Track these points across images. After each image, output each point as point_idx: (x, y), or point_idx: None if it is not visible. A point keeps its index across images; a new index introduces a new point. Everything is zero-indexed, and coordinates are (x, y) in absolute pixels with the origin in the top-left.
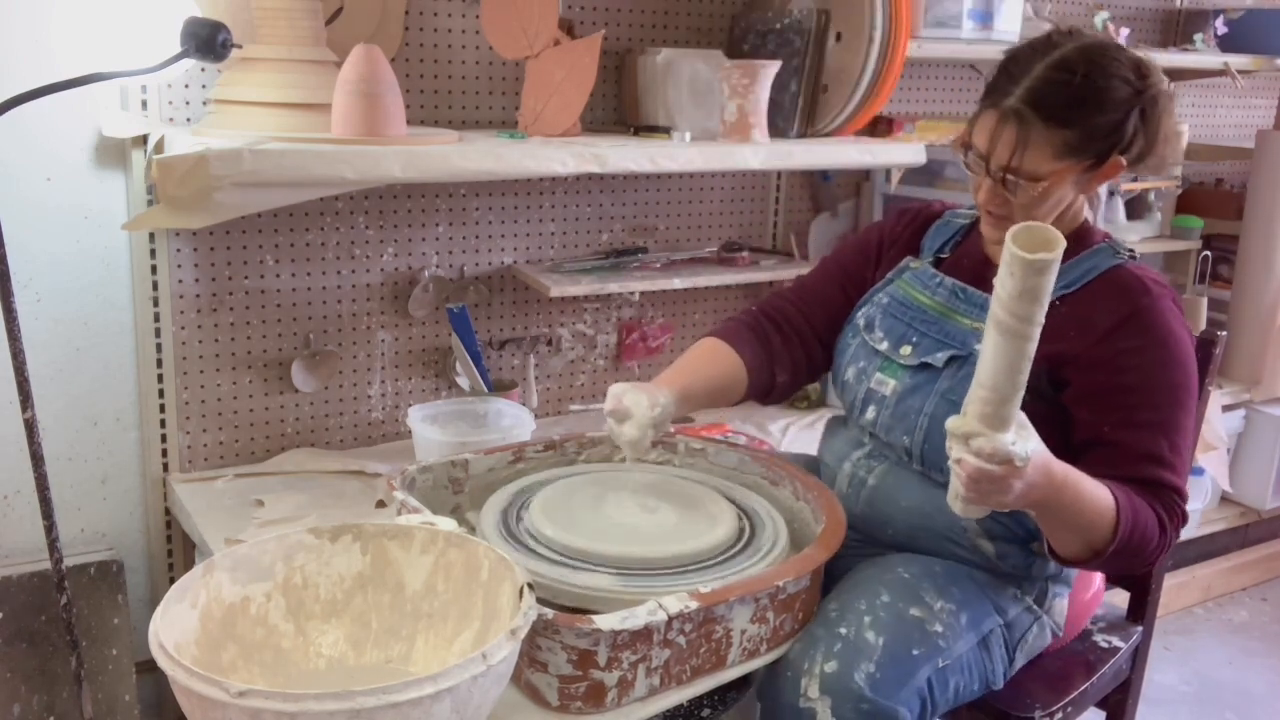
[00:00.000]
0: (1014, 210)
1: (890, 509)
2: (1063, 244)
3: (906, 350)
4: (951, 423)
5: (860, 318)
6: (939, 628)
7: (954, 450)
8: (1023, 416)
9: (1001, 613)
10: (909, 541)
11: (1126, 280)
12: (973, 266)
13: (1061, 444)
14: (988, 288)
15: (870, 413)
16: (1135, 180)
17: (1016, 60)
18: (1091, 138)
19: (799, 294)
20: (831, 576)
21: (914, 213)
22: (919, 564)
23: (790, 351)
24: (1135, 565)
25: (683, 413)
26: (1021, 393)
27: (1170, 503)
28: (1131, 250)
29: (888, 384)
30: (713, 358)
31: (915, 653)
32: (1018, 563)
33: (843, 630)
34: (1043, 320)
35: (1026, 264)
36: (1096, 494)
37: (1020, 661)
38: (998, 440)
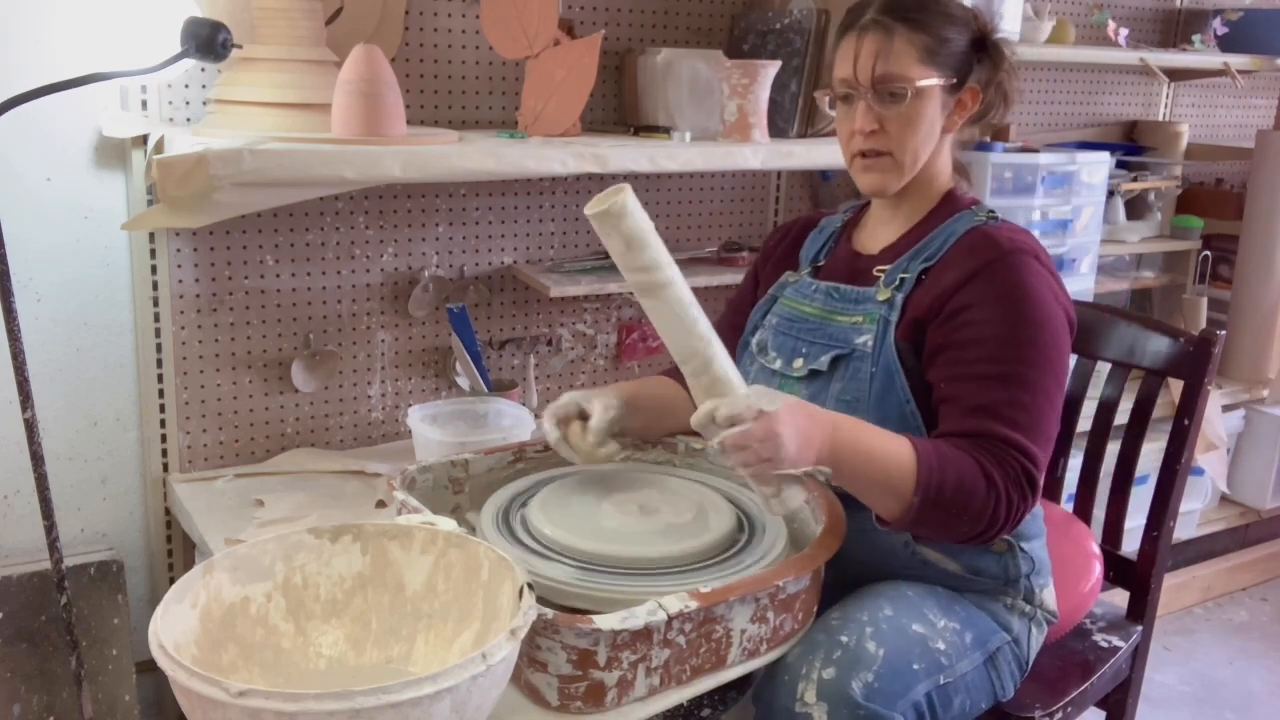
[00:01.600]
0: (891, 141)
1: (849, 571)
2: (624, 188)
3: (799, 363)
4: (692, 419)
5: (754, 343)
6: (941, 645)
7: (711, 438)
8: (759, 386)
9: (1007, 629)
10: (882, 577)
11: (977, 240)
12: (845, 265)
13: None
14: (863, 280)
15: None
16: (1135, 180)
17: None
18: (946, 48)
19: (721, 328)
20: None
21: (789, 226)
22: (923, 584)
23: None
24: (966, 523)
25: (632, 423)
26: (717, 346)
27: (1003, 456)
28: (993, 211)
29: None
30: (657, 381)
31: (915, 667)
32: (994, 570)
33: (844, 638)
34: (664, 261)
35: (599, 217)
36: (888, 441)
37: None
38: (734, 399)
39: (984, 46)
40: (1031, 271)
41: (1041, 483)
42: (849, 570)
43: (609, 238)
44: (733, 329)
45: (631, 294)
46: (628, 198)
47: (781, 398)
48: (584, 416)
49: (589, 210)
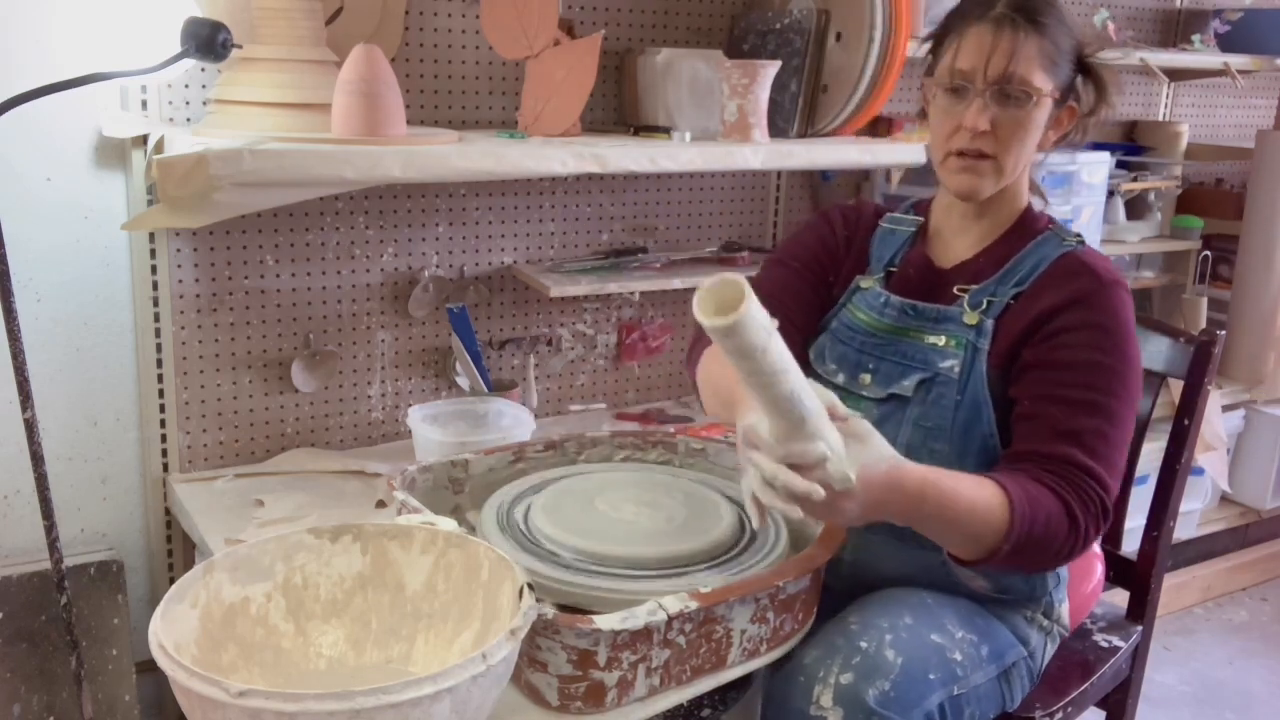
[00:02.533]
0: (1000, 145)
1: (874, 579)
2: (748, 297)
3: (866, 379)
4: (764, 445)
5: (812, 349)
6: (958, 656)
7: (762, 464)
8: (861, 426)
9: (1024, 642)
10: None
11: (1075, 266)
12: (920, 276)
13: None
14: (942, 297)
15: None
16: (1135, 180)
17: None
18: (1063, 58)
19: (773, 297)
20: (823, 615)
21: (856, 214)
22: (945, 593)
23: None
24: (1044, 562)
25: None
26: (817, 410)
27: (1085, 490)
28: (1079, 235)
29: None
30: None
31: (931, 677)
32: (1020, 588)
33: (863, 644)
34: (776, 361)
35: (715, 330)
36: (978, 495)
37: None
38: (828, 463)
39: (1084, 66)
40: (1126, 305)
41: (1112, 507)
42: (869, 580)
43: (721, 345)
44: (814, 291)
45: (633, 295)
46: (748, 310)
47: (867, 459)
48: None
49: (702, 308)
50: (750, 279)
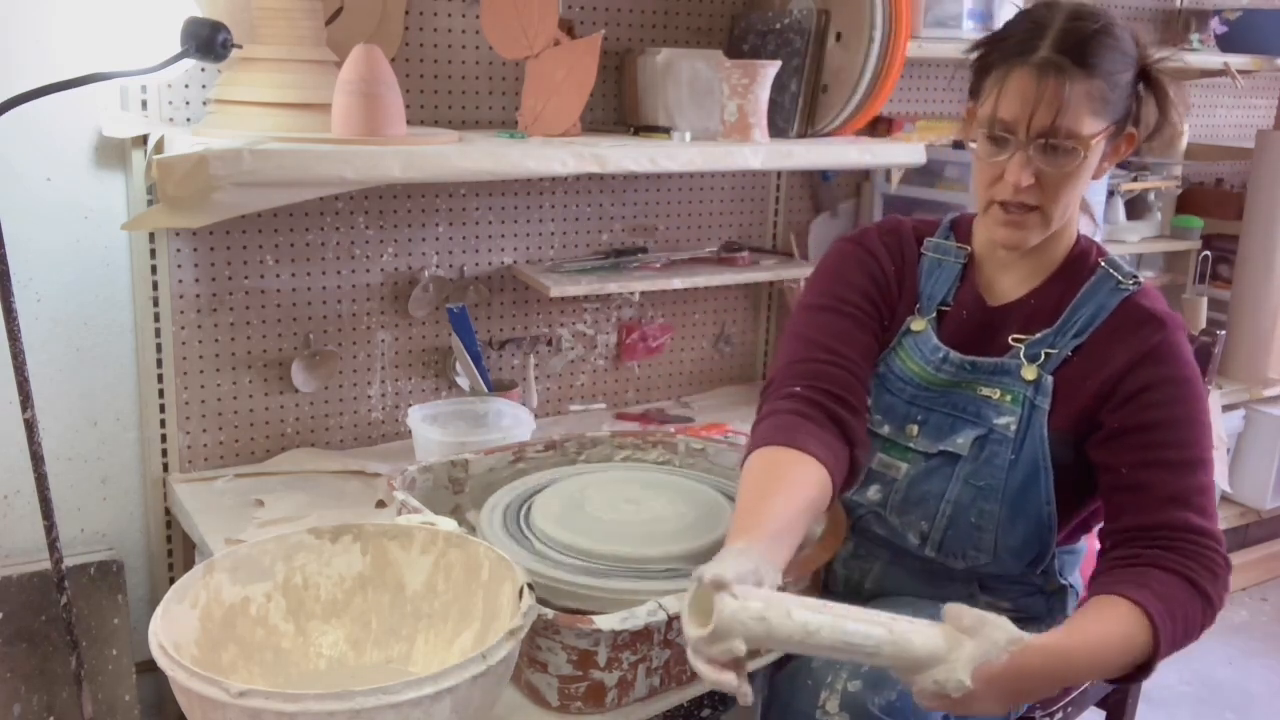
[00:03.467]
0: (1047, 196)
1: (893, 608)
2: (717, 611)
3: (913, 430)
4: (915, 690)
5: None
6: None
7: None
8: (970, 617)
9: None
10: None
11: (1139, 315)
12: (974, 319)
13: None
14: (995, 343)
15: (874, 492)
16: (1135, 180)
17: (1030, 18)
18: (1115, 93)
19: (840, 355)
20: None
21: (895, 247)
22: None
23: (862, 426)
24: (1184, 645)
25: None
26: (893, 628)
27: (1209, 558)
28: (1135, 275)
29: (897, 467)
30: (791, 485)
31: None
32: (1040, 610)
33: None
34: (791, 633)
35: (698, 642)
36: (1114, 631)
37: None
38: (920, 685)
39: (1147, 80)
40: (1189, 349)
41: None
42: (900, 598)
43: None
44: (873, 335)
45: (633, 295)
46: (721, 619)
47: (987, 649)
48: None
49: (689, 629)
50: (801, 333)
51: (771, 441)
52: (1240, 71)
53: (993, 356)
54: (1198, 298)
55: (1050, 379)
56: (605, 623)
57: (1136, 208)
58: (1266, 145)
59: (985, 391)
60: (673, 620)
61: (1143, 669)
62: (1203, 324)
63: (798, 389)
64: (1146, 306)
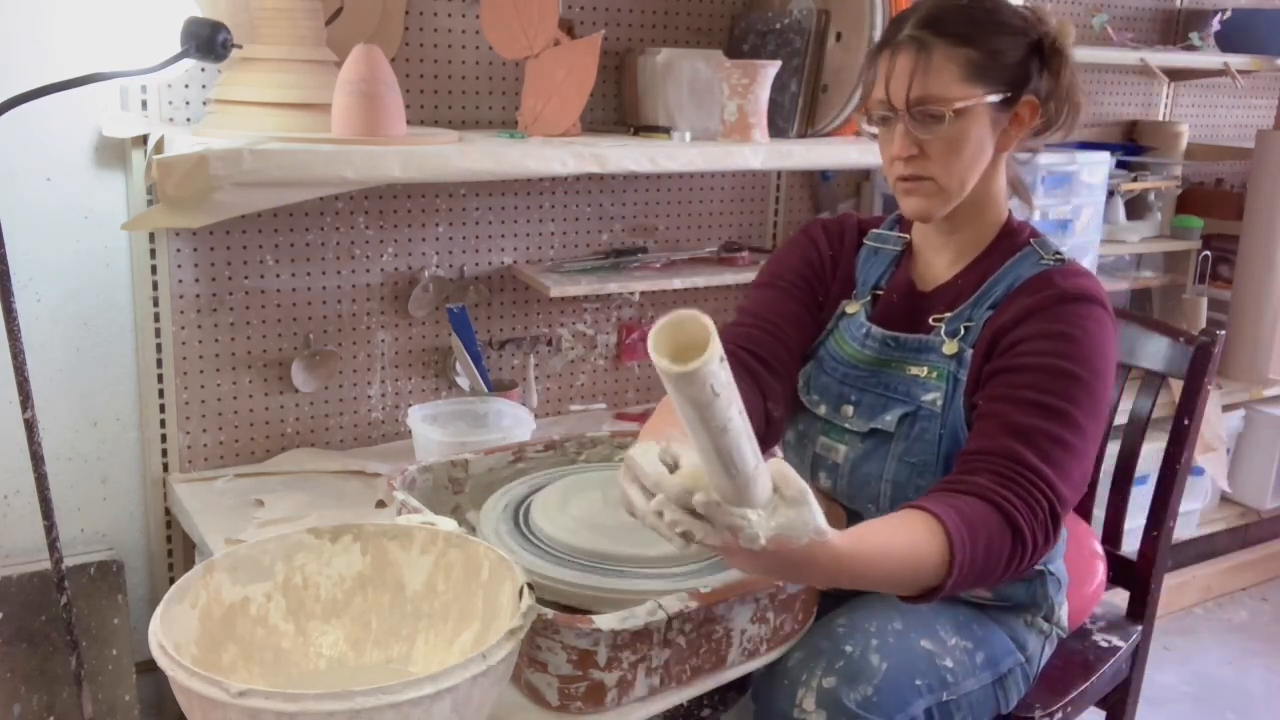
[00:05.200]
0: (933, 165)
1: (881, 610)
2: (712, 342)
3: (848, 411)
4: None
5: (799, 375)
6: (949, 663)
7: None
8: (797, 490)
9: (1022, 648)
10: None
11: (1041, 284)
12: (904, 301)
13: None
14: (922, 325)
15: (824, 480)
16: (1135, 180)
17: (904, 10)
18: (996, 61)
19: (765, 319)
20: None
21: (836, 234)
22: (942, 601)
23: (780, 384)
24: (988, 582)
25: None
26: (751, 473)
27: (1033, 496)
28: (1059, 252)
29: (836, 449)
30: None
31: (917, 683)
32: (1021, 596)
33: (848, 649)
34: (721, 418)
35: (669, 376)
36: (910, 543)
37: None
38: (723, 509)
39: (1044, 52)
40: (1094, 317)
41: (1064, 518)
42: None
43: (669, 387)
44: (806, 309)
45: (633, 295)
46: (710, 361)
47: (795, 530)
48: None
49: (658, 345)
50: (746, 306)
51: None
52: (1240, 71)
53: (918, 335)
54: (1198, 298)
55: (970, 351)
56: (605, 623)
57: (1136, 208)
58: (1266, 145)
59: (914, 370)
60: (672, 620)
61: (936, 590)
62: (1203, 324)
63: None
64: (1056, 280)
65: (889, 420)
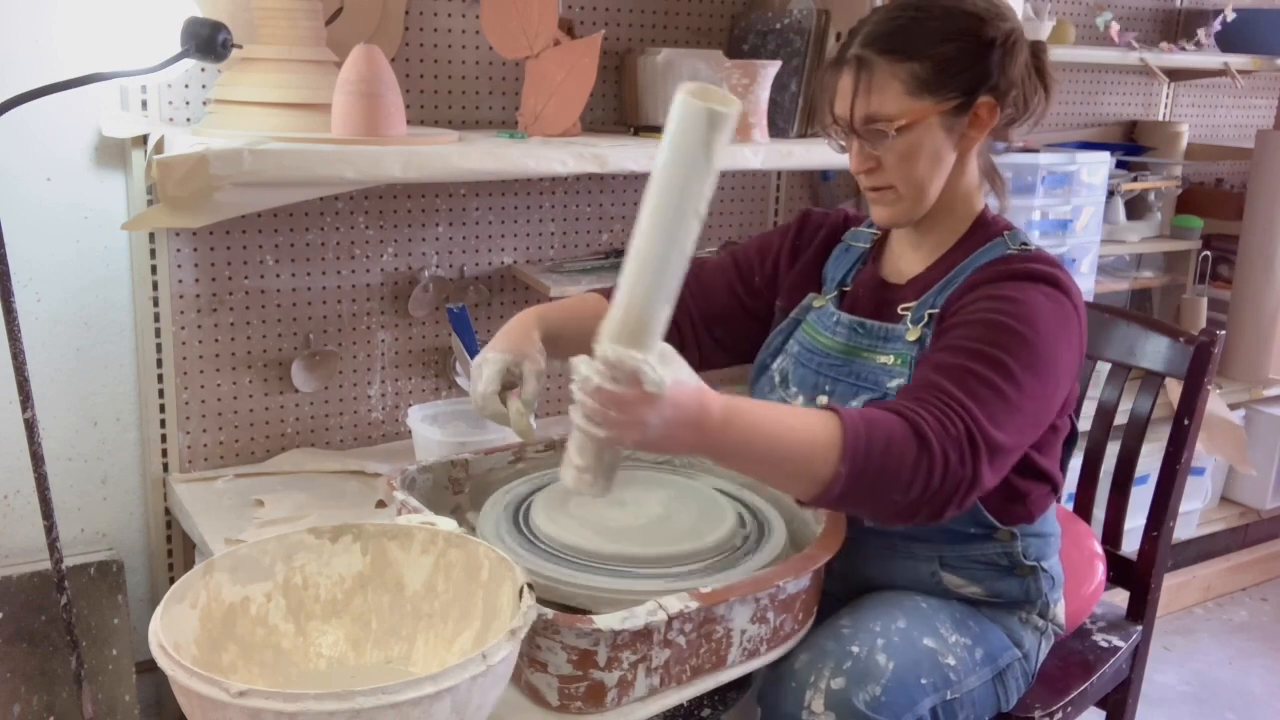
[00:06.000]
0: (891, 175)
1: (864, 586)
2: (736, 105)
3: (823, 400)
4: (596, 346)
5: (775, 372)
6: (951, 661)
7: (580, 376)
8: (669, 350)
9: (1019, 644)
10: (899, 588)
11: (1000, 263)
12: (871, 294)
13: None
14: (890, 315)
15: None
16: (1135, 180)
17: (854, 26)
18: (945, 70)
19: (694, 280)
20: (818, 618)
21: (815, 228)
22: (939, 598)
23: (678, 327)
24: (893, 494)
25: (557, 354)
26: (665, 307)
27: (946, 414)
28: (1026, 243)
29: None
30: (585, 303)
31: (923, 681)
32: (1015, 592)
33: (855, 649)
34: (699, 209)
35: (692, 111)
36: (801, 420)
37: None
38: (623, 351)
39: (1001, 51)
40: (1044, 292)
41: (991, 459)
42: (860, 584)
43: (676, 130)
44: (728, 285)
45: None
46: (731, 122)
47: (673, 376)
48: (511, 384)
49: (688, 93)
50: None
51: (601, 290)
52: (1240, 71)
53: (886, 323)
54: (1198, 298)
55: (930, 335)
56: (605, 623)
57: (1136, 208)
58: (1266, 145)
59: (882, 359)
60: (673, 620)
61: (829, 486)
62: (1203, 324)
63: None
64: (1014, 261)
65: (855, 405)
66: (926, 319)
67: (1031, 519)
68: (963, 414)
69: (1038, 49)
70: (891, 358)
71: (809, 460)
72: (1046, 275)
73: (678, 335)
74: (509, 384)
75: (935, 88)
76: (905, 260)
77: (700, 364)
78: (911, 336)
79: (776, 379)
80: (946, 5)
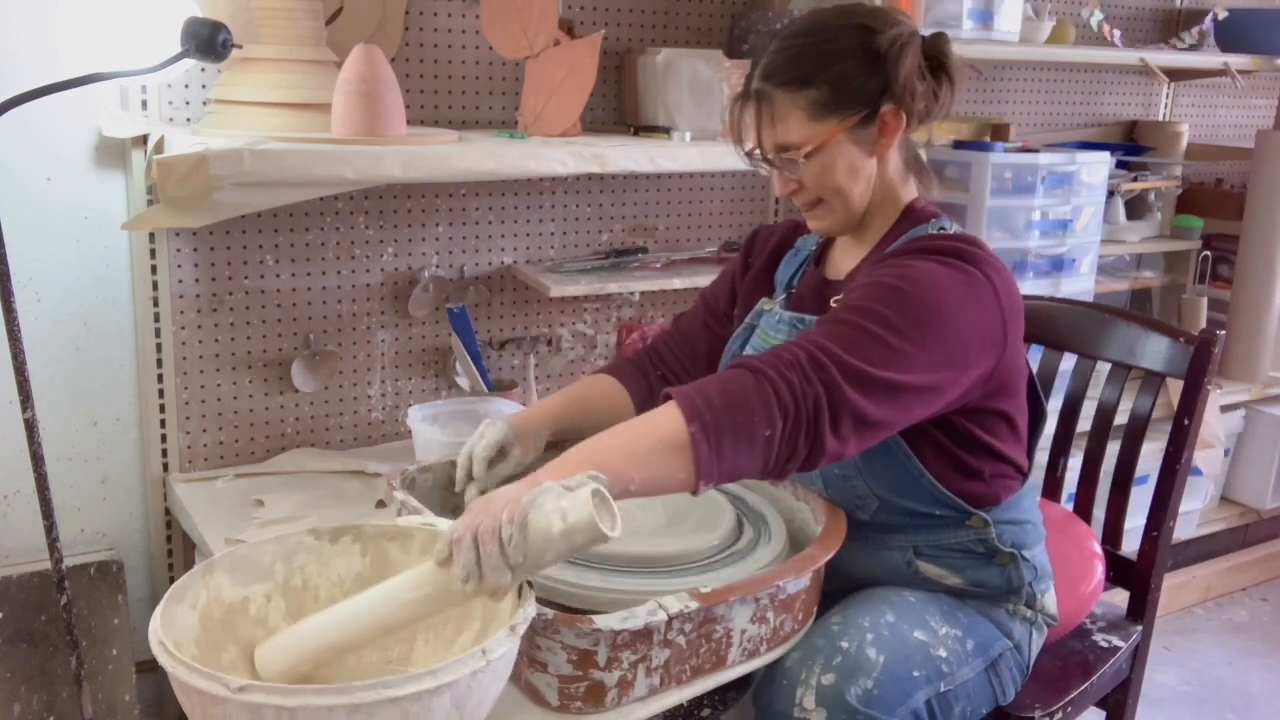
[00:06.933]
0: (814, 192)
1: (846, 581)
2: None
3: None
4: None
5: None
6: (943, 652)
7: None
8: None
9: (1009, 635)
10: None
11: (910, 243)
12: (813, 293)
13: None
14: (827, 309)
15: None
16: (1135, 180)
17: (765, 47)
18: (842, 90)
19: (674, 333)
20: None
21: (765, 240)
22: (925, 591)
23: (669, 383)
24: (759, 425)
25: (558, 436)
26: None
27: (781, 352)
28: (946, 227)
29: None
30: (589, 388)
31: (916, 674)
32: (997, 582)
33: (844, 644)
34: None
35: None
36: (643, 415)
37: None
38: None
39: (893, 57)
40: (941, 261)
41: (851, 381)
42: (847, 585)
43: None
44: (705, 328)
45: (633, 295)
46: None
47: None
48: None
49: (606, 530)
50: (678, 315)
51: (605, 370)
52: (1240, 71)
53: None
54: (1198, 298)
55: None
56: (605, 623)
57: (1136, 208)
58: (1266, 145)
59: None
60: (673, 620)
61: (696, 446)
62: (1203, 324)
63: (641, 348)
64: (926, 239)
65: None
66: None
67: (997, 500)
68: (807, 345)
69: (939, 42)
70: None
71: (656, 433)
72: (952, 249)
73: (664, 385)
74: (501, 453)
75: (836, 108)
76: (844, 258)
77: None
78: None
79: None
80: (834, 24)
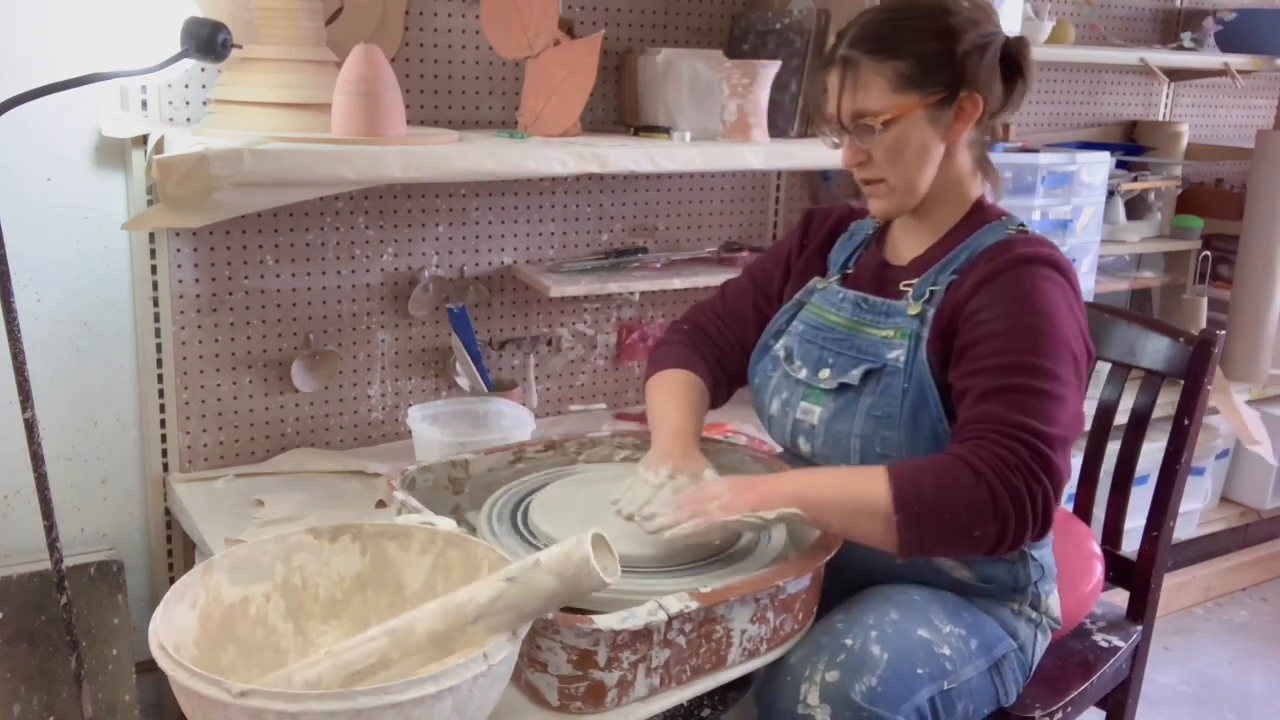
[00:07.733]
0: (881, 168)
1: (860, 575)
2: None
3: (825, 374)
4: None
5: (780, 349)
6: (947, 651)
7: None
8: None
9: (1013, 635)
10: (893, 579)
11: (1000, 250)
12: (873, 275)
13: None
14: (891, 293)
15: (803, 445)
16: (1135, 180)
17: (849, 23)
18: (927, 67)
19: (722, 307)
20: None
21: (821, 221)
22: (930, 589)
23: (725, 366)
24: (974, 526)
25: None
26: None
27: (1001, 440)
28: (1023, 224)
29: (813, 411)
30: (692, 393)
31: (919, 671)
32: (1004, 578)
33: (848, 641)
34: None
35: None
36: (857, 471)
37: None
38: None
39: (980, 51)
40: (1042, 275)
41: (1061, 463)
42: (857, 578)
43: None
44: (754, 304)
45: (633, 295)
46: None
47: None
48: None
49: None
50: (724, 284)
51: (672, 363)
52: (1240, 71)
53: (887, 299)
54: (1198, 298)
55: (932, 311)
56: (605, 623)
57: (1136, 208)
58: (1266, 145)
59: (882, 334)
60: (673, 620)
61: (898, 529)
62: (1203, 324)
63: (684, 326)
64: (1009, 243)
65: (855, 375)
66: (928, 295)
67: None
68: (1016, 434)
69: (1020, 45)
70: (892, 331)
71: (870, 502)
72: (1046, 258)
73: (721, 371)
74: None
75: (918, 83)
76: (905, 244)
77: (741, 385)
78: (912, 311)
79: (781, 355)
80: (929, 6)
